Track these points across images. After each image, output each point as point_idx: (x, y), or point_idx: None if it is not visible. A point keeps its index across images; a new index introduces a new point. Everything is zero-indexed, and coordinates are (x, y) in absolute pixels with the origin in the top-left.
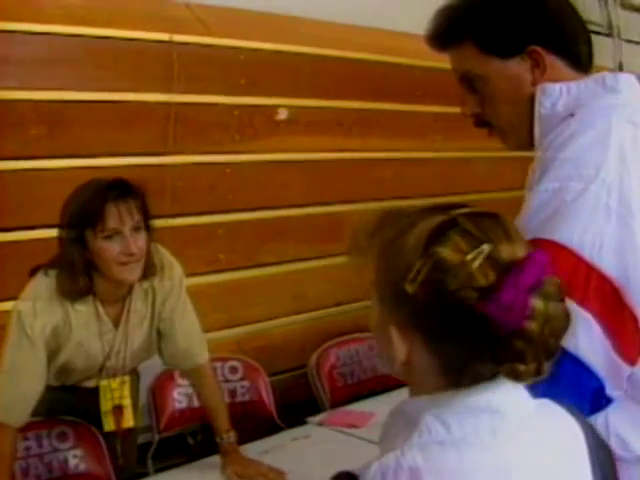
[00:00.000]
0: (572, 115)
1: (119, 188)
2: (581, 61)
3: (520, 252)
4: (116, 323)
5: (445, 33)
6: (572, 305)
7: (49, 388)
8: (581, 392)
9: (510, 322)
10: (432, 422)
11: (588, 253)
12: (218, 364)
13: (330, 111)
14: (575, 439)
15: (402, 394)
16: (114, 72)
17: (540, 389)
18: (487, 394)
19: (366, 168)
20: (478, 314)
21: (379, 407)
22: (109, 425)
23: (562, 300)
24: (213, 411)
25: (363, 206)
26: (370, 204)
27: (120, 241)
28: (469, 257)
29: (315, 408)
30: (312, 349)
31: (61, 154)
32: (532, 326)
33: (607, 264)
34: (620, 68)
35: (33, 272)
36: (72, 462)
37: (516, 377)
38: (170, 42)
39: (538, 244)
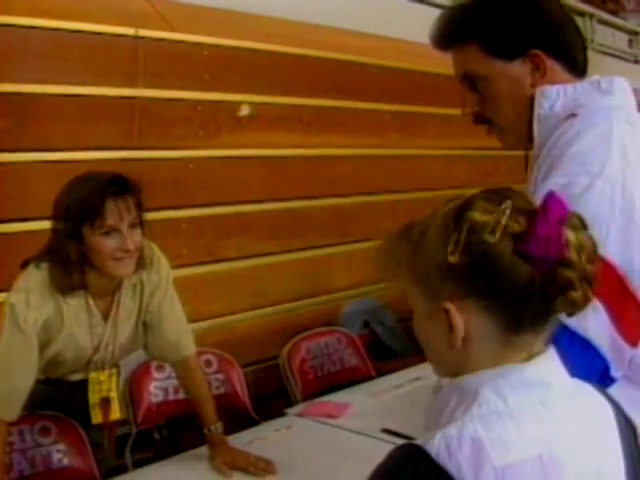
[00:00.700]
0: (574, 115)
1: (119, 184)
2: (578, 66)
3: (536, 202)
4: (105, 316)
5: (451, 33)
6: None
7: None
8: (590, 372)
9: (551, 252)
10: (490, 395)
11: None
12: None
13: (290, 108)
14: (607, 415)
15: (372, 386)
16: (80, 66)
17: None
18: (538, 368)
19: (325, 164)
20: (522, 258)
21: (353, 398)
22: (96, 417)
23: (586, 229)
24: (200, 403)
25: (322, 202)
26: (329, 200)
27: (117, 237)
28: (499, 212)
29: (280, 401)
30: (272, 343)
31: (27, 147)
32: (571, 254)
33: (612, 254)
34: None
35: (24, 265)
36: (55, 457)
37: (572, 305)
38: (136, 37)
39: None
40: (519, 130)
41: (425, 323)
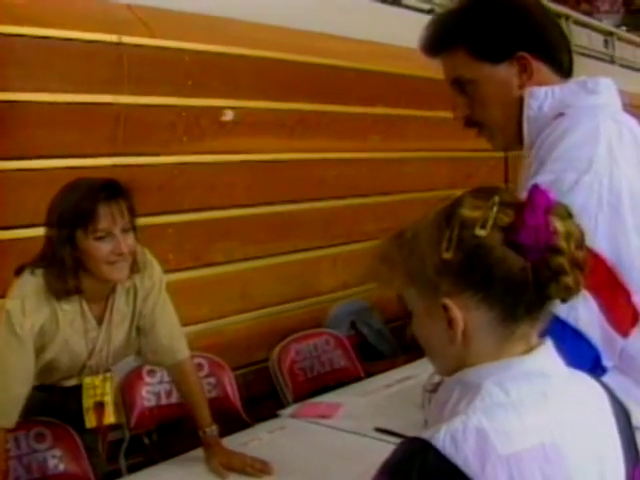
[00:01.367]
0: (562, 115)
1: (111, 189)
2: (563, 67)
3: (521, 195)
4: (100, 321)
5: (439, 40)
6: None
7: None
8: (582, 362)
9: (541, 240)
10: (492, 387)
11: None
12: None
13: (273, 113)
14: (604, 402)
15: (363, 386)
16: (64, 73)
17: None
18: (537, 360)
19: (308, 168)
20: (513, 249)
21: (344, 398)
22: (90, 422)
23: (572, 217)
24: (195, 406)
25: (307, 205)
26: (314, 203)
27: (111, 241)
28: (487, 207)
29: (270, 403)
30: (261, 346)
31: (9, 156)
32: (560, 241)
33: (601, 247)
34: None
35: (19, 271)
36: (51, 462)
37: (565, 291)
38: (119, 44)
39: None
40: (509, 132)
41: (425, 322)
